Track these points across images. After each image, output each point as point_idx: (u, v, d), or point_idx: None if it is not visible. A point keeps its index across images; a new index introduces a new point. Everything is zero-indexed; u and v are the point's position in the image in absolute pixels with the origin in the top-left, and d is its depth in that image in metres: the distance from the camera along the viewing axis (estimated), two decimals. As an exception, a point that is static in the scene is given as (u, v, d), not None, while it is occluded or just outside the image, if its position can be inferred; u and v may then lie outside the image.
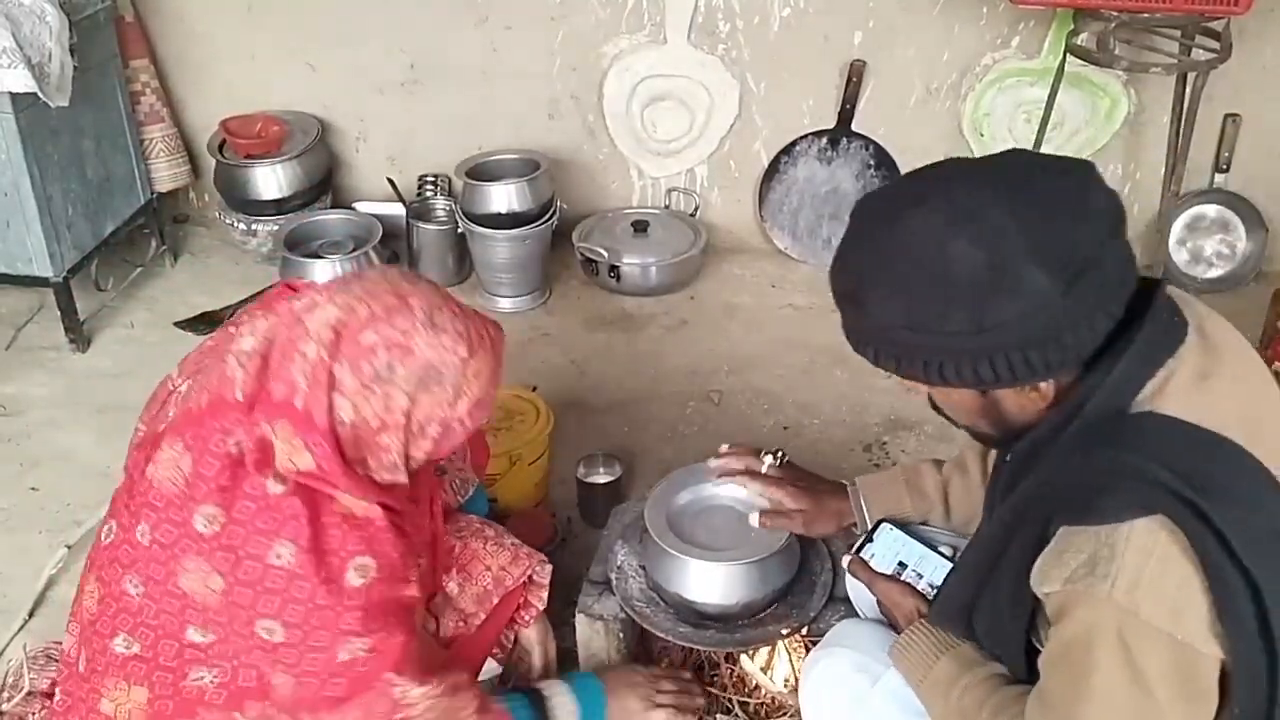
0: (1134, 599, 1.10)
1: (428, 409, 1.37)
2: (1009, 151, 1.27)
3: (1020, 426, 1.27)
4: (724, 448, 1.85)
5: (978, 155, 3.30)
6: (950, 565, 1.65)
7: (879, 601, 1.64)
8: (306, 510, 1.36)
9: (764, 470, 1.84)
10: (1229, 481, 1.13)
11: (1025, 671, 1.30)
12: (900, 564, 1.67)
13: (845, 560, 1.71)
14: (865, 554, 1.70)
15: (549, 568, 1.83)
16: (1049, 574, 1.17)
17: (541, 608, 1.84)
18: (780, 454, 1.87)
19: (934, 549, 1.69)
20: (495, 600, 1.74)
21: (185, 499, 1.38)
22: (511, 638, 1.86)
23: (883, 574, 1.65)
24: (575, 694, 1.69)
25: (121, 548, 1.44)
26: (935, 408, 1.37)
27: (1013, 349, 1.14)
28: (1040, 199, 1.15)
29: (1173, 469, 1.11)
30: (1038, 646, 1.29)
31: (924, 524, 1.75)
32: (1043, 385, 1.20)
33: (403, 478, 1.42)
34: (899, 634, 1.53)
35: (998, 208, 1.13)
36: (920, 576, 1.64)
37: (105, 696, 1.50)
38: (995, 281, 1.12)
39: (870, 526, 1.74)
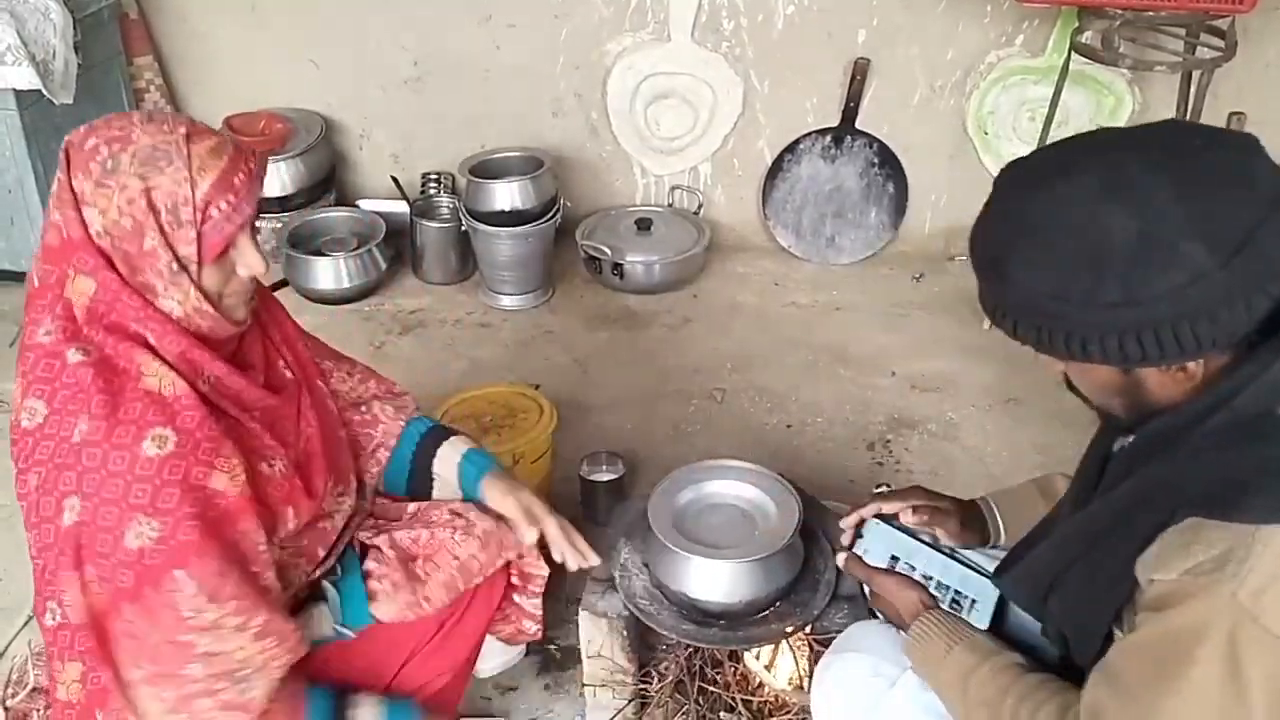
0: (1259, 603, 1.07)
1: (168, 189, 1.32)
2: (1167, 122, 1.22)
3: (1157, 409, 1.21)
4: (845, 521, 1.74)
5: (981, 154, 3.33)
6: (937, 553, 1.64)
7: (874, 596, 1.62)
8: (102, 379, 1.33)
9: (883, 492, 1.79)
10: None
11: (1095, 653, 1.26)
12: (893, 558, 1.67)
13: (840, 559, 1.70)
14: (858, 550, 1.69)
15: (533, 533, 1.72)
16: (1168, 562, 1.13)
17: (543, 573, 1.76)
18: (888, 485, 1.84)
19: (922, 541, 1.69)
20: (462, 587, 1.66)
21: (16, 410, 1.37)
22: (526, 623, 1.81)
23: (879, 568, 1.64)
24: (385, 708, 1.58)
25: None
26: (1069, 384, 1.31)
27: (1164, 324, 1.10)
28: (1200, 170, 1.10)
29: None
30: (1114, 632, 1.25)
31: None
32: (1190, 366, 1.15)
33: (177, 309, 1.37)
34: (902, 629, 1.51)
35: (1154, 177, 1.09)
36: (913, 569, 1.64)
37: (60, 681, 1.45)
38: (1150, 252, 1.08)
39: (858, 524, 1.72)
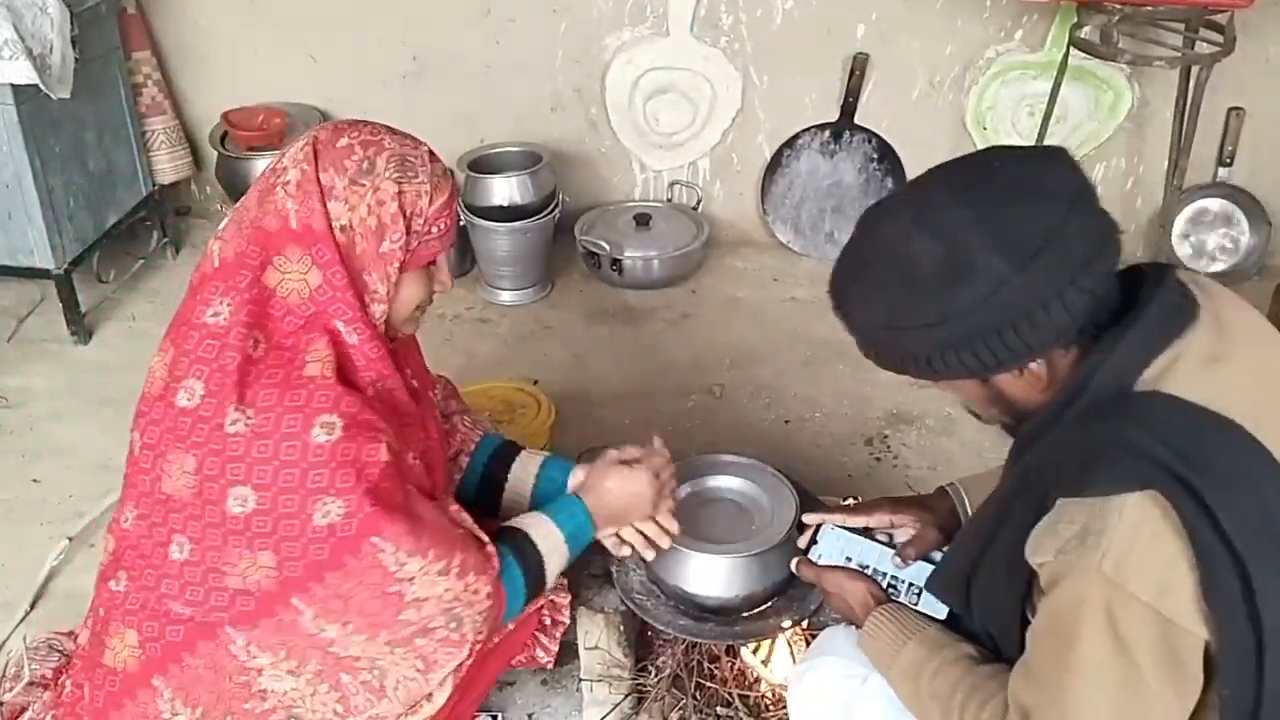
0: (1123, 572, 1.11)
1: (412, 198, 1.44)
2: (982, 150, 1.33)
3: (1031, 411, 1.29)
4: (806, 517, 1.78)
5: (980, 149, 3.33)
6: (890, 550, 1.67)
7: (827, 596, 1.65)
8: (268, 369, 1.39)
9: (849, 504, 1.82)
10: (1227, 463, 1.14)
11: (1016, 645, 1.30)
12: (847, 559, 1.68)
13: (793, 564, 1.72)
14: (812, 555, 1.71)
15: (565, 598, 1.82)
16: (1042, 544, 1.19)
17: (566, 621, 1.84)
18: (856, 497, 1.88)
19: (878, 541, 1.70)
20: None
21: (167, 385, 1.42)
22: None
23: (828, 566, 1.66)
24: (558, 520, 1.65)
25: (124, 480, 1.49)
26: (966, 407, 1.43)
27: (988, 333, 1.18)
28: (995, 187, 1.20)
29: (1170, 446, 1.12)
30: (1030, 620, 1.29)
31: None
32: (1033, 366, 1.23)
33: (384, 314, 1.48)
34: (856, 625, 1.53)
35: (955, 201, 1.19)
36: (866, 566, 1.66)
37: (108, 648, 1.51)
38: (955, 271, 1.17)
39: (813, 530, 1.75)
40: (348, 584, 1.40)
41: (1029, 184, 1.20)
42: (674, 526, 1.74)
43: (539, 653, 1.83)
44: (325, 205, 1.41)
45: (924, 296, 1.19)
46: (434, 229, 1.48)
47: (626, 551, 1.75)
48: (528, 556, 1.61)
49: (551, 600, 1.76)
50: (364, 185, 1.41)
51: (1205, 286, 1.28)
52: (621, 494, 1.70)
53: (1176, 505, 1.11)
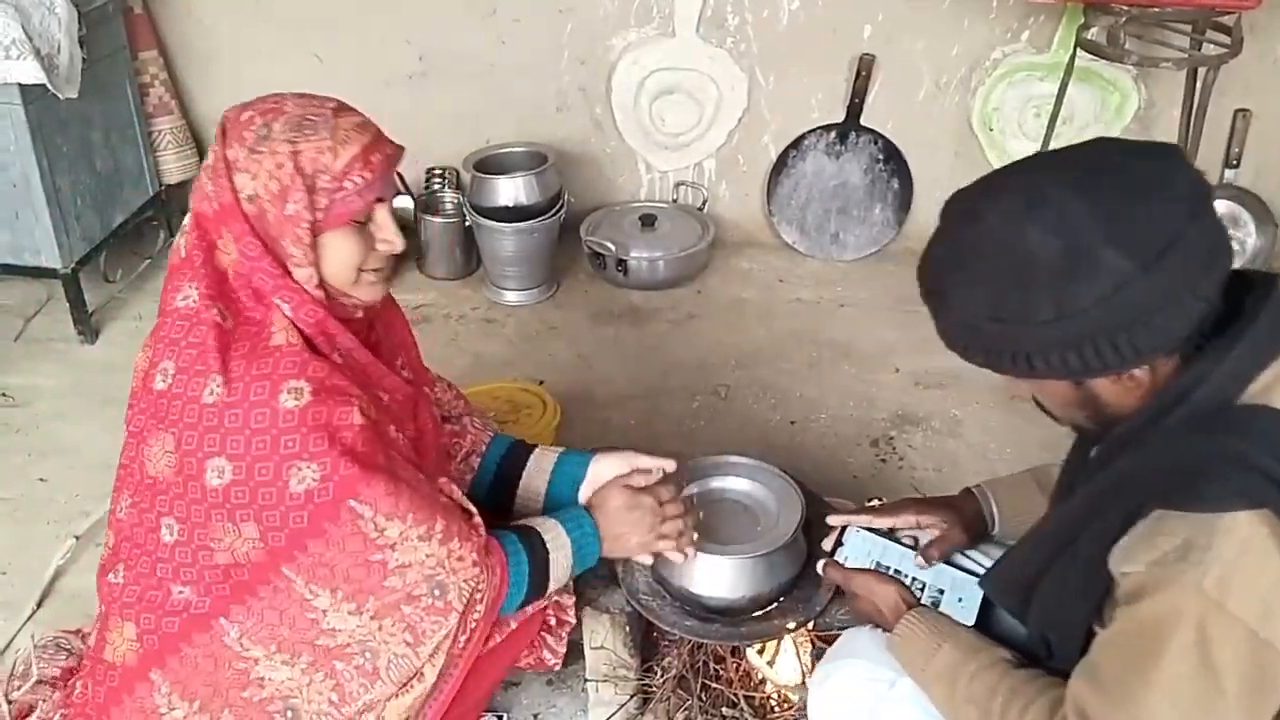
0: (1224, 591, 1.08)
1: (311, 156, 1.40)
2: (1094, 140, 1.26)
3: (1120, 417, 1.25)
4: (831, 519, 1.77)
5: (987, 150, 3.33)
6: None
7: (853, 599, 1.63)
8: (235, 339, 1.40)
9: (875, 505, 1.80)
10: None
11: (1077, 652, 1.27)
12: (874, 561, 1.67)
13: (819, 565, 1.71)
14: (838, 557, 1.70)
15: (569, 599, 1.81)
16: (1135, 555, 1.15)
17: (572, 621, 1.82)
18: (880, 498, 1.86)
19: (904, 544, 1.69)
20: (516, 614, 1.68)
21: (148, 371, 1.44)
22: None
23: (855, 569, 1.64)
24: (566, 527, 1.66)
25: (117, 473, 1.51)
26: (1040, 406, 1.35)
27: (1099, 334, 1.14)
28: (1117, 182, 1.14)
29: None
30: (1094, 630, 1.26)
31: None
32: (1137, 372, 1.19)
33: (312, 278, 1.44)
34: (885, 628, 1.52)
35: (1073, 194, 1.13)
36: (892, 569, 1.64)
37: (108, 643, 1.53)
38: (1073, 266, 1.12)
39: (840, 531, 1.74)
40: (330, 551, 1.41)
41: (1153, 182, 1.14)
42: (670, 546, 1.73)
43: (546, 654, 1.82)
44: (232, 180, 1.42)
45: (1039, 290, 1.13)
46: (347, 184, 1.41)
47: (688, 554, 1.75)
48: (535, 548, 1.62)
49: (557, 601, 1.75)
50: (261, 151, 1.40)
51: None
52: (623, 519, 1.70)
53: None
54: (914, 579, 1.62)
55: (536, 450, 1.87)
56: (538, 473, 1.84)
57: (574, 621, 1.81)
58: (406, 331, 1.77)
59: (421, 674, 1.52)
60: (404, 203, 3.41)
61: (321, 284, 1.46)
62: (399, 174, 3.39)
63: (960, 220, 1.23)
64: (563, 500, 1.80)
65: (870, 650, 1.53)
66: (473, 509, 1.57)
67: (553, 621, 1.79)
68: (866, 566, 1.66)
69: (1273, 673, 1.11)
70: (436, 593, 1.48)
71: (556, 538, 1.64)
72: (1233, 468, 1.11)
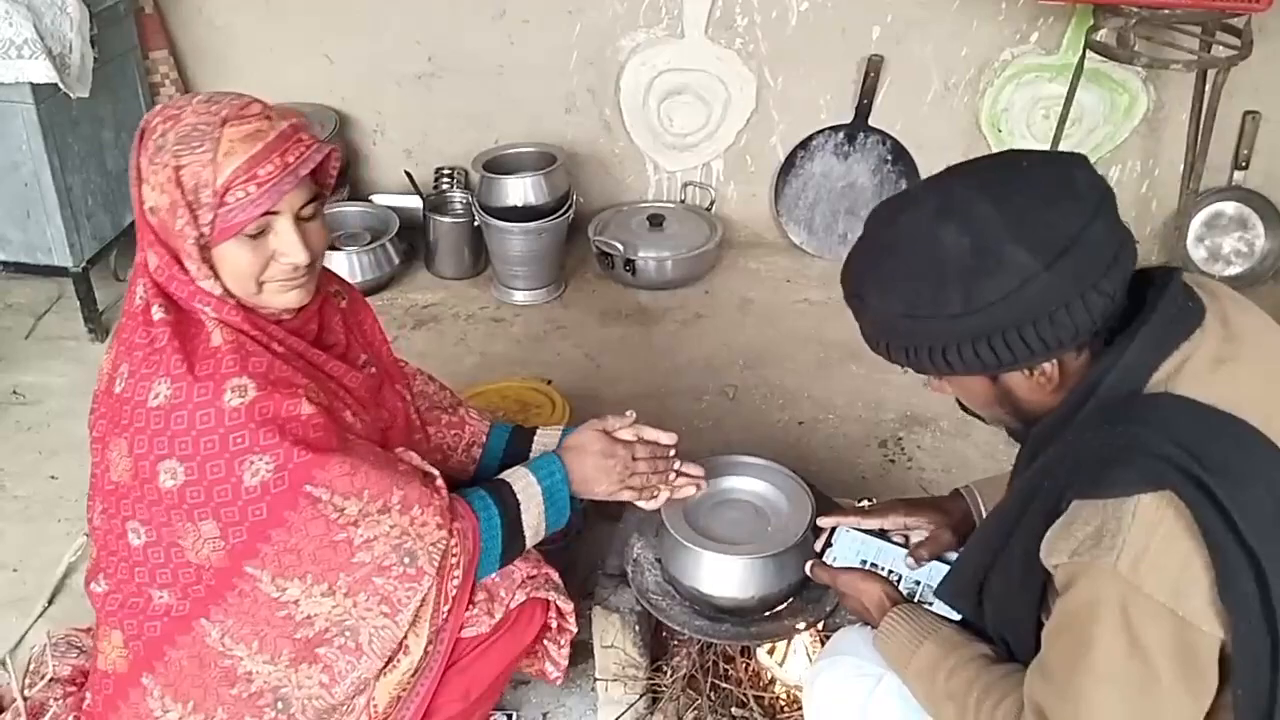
0: (1138, 573, 1.12)
1: (194, 170, 1.36)
2: (1002, 151, 1.35)
3: (1037, 413, 1.31)
4: (822, 520, 1.79)
5: (995, 151, 3.31)
6: (904, 553, 1.68)
7: (842, 597, 1.65)
8: (178, 339, 1.39)
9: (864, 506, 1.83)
10: (1239, 462, 1.15)
11: (1031, 649, 1.31)
12: (862, 561, 1.69)
13: (807, 567, 1.73)
14: (827, 558, 1.72)
15: (568, 605, 1.79)
16: (1057, 546, 1.19)
17: (574, 629, 1.81)
18: (870, 499, 1.88)
19: (893, 542, 1.71)
20: (504, 599, 1.68)
21: (110, 374, 1.44)
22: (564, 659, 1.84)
23: (843, 567, 1.67)
24: (538, 475, 1.67)
25: (90, 481, 1.51)
26: (962, 406, 1.41)
27: (1007, 327, 1.19)
28: (1023, 187, 1.22)
29: (1183, 446, 1.13)
30: (1045, 622, 1.29)
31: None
32: (1047, 366, 1.24)
33: (216, 288, 1.42)
34: (872, 625, 1.54)
35: (982, 197, 1.20)
36: (880, 568, 1.67)
37: (101, 651, 1.54)
38: (981, 263, 1.18)
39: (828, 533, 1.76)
40: (293, 538, 1.42)
41: (1057, 185, 1.21)
42: (634, 497, 1.76)
43: (549, 666, 1.82)
44: (140, 189, 1.41)
45: (949, 286, 1.20)
46: (229, 199, 1.36)
47: (655, 504, 1.77)
48: (505, 500, 1.63)
49: (558, 606, 1.75)
50: (157, 164, 1.38)
51: (1211, 289, 1.29)
52: (591, 458, 1.72)
53: (1191, 505, 1.11)
54: (904, 578, 1.64)
55: (539, 432, 1.88)
56: (545, 447, 1.85)
57: (575, 630, 1.81)
58: (376, 331, 1.75)
59: (406, 646, 1.53)
60: (412, 203, 3.42)
61: (227, 293, 1.44)
62: (408, 173, 3.41)
63: (877, 226, 1.30)
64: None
65: (859, 648, 1.55)
66: (433, 470, 1.58)
67: (554, 625, 1.79)
68: (855, 564, 1.68)
69: (1198, 650, 1.14)
70: (406, 560, 1.49)
71: (527, 487, 1.65)
72: (1135, 453, 1.15)
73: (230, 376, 1.38)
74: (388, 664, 1.53)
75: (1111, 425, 1.19)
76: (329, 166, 1.50)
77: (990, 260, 1.17)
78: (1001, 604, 1.36)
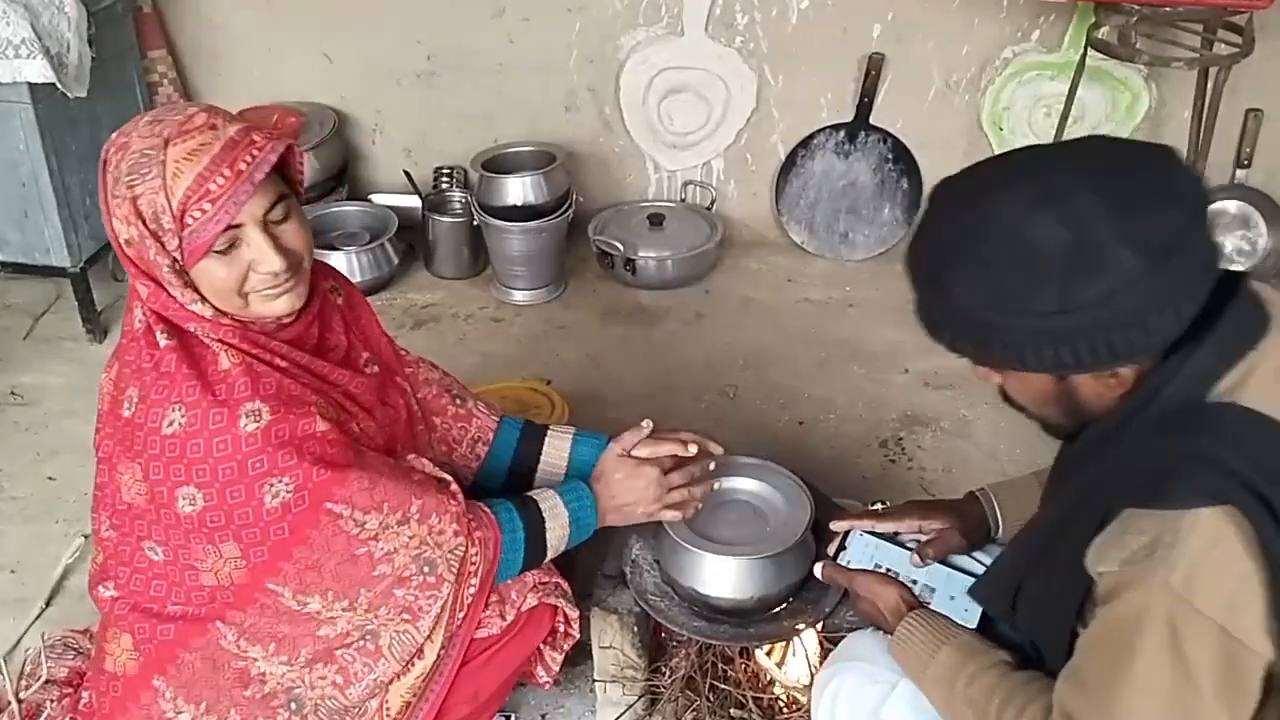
0: (1191, 588, 1.09)
1: (149, 199, 1.32)
2: (1091, 136, 1.26)
3: (1093, 415, 1.25)
4: (835, 524, 1.78)
5: (997, 149, 3.31)
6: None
7: (855, 600, 1.63)
8: (186, 364, 1.38)
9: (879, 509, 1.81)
10: None
11: (1063, 655, 1.28)
12: (875, 565, 1.68)
13: (818, 568, 1.71)
14: (840, 560, 1.71)
15: (575, 612, 1.80)
16: (1107, 554, 1.16)
17: (575, 636, 1.81)
18: (883, 502, 1.87)
19: (907, 547, 1.69)
20: (515, 601, 1.68)
21: (115, 396, 1.43)
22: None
23: (857, 570, 1.65)
24: (565, 499, 1.67)
25: (94, 493, 1.51)
26: (1006, 397, 1.34)
27: (1098, 331, 1.12)
28: (1128, 181, 1.13)
29: (1248, 459, 1.09)
30: (1079, 632, 1.26)
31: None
32: (1123, 371, 1.18)
33: (206, 310, 1.39)
34: (886, 630, 1.52)
35: (1084, 188, 1.12)
36: (894, 572, 1.64)
37: (108, 654, 1.54)
38: (1082, 260, 1.10)
39: (844, 534, 1.75)
40: (315, 555, 1.42)
41: (1163, 184, 1.14)
42: (676, 516, 1.76)
43: (540, 671, 1.81)
44: (111, 222, 1.38)
45: (1042, 282, 1.11)
46: (190, 218, 1.32)
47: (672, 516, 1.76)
48: (530, 514, 1.63)
49: (564, 612, 1.75)
50: (117, 197, 1.35)
51: (1270, 296, 1.24)
52: (624, 487, 1.72)
53: (1253, 522, 1.08)
54: (917, 582, 1.62)
55: (549, 437, 1.86)
56: (554, 461, 1.85)
57: (578, 636, 1.81)
58: (375, 325, 1.74)
59: (421, 650, 1.54)
60: (412, 202, 3.41)
61: (218, 312, 1.42)
62: (407, 173, 3.40)
63: (964, 206, 1.20)
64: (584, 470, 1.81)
65: (871, 653, 1.53)
66: (446, 477, 1.58)
67: (560, 630, 1.79)
68: (868, 567, 1.66)
69: (1245, 669, 1.11)
70: (426, 569, 1.50)
71: (554, 508, 1.66)
72: (1198, 465, 1.11)
73: (244, 401, 1.37)
74: (404, 666, 1.53)
75: (1172, 434, 1.15)
76: (294, 162, 1.46)
77: (1093, 258, 1.09)
78: (1039, 608, 1.33)
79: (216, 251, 1.36)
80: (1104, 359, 1.14)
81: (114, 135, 1.39)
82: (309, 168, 3.39)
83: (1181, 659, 1.11)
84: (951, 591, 1.61)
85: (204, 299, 1.39)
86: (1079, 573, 1.20)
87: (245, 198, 1.34)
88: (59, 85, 2.72)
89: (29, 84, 2.71)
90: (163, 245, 1.34)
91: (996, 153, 3.30)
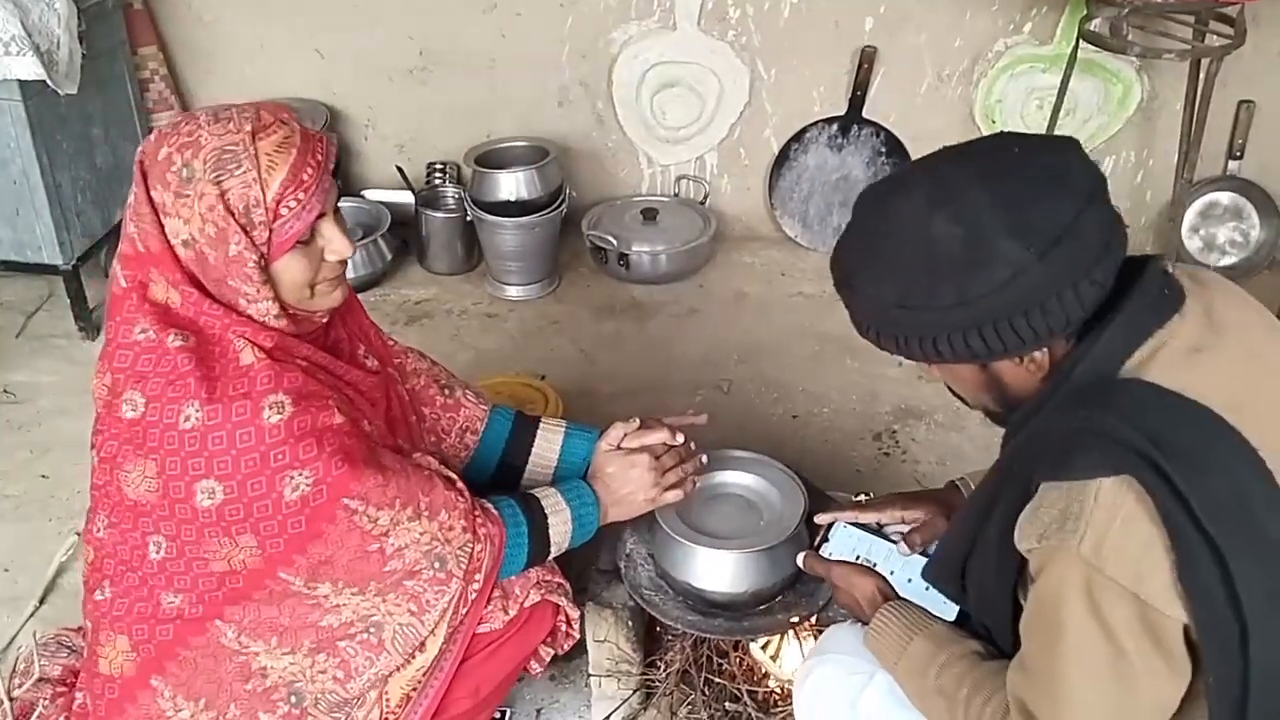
0: (1100, 555, 1.12)
1: (240, 192, 1.34)
2: (994, 135, 1.33)
3: (1023, 399, 1.31)
4: (819, 517, 1.79)
5: (989, 134, 3.31)
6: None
7: (836, 591, 1.65)
8: (203, 364, 1.38)
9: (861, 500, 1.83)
10: (1201, 449, 1.14)
11: (1010, 634, 1.31)
12: (857, 556, 1.68)
13: (800, 558, 1.72)
14: (823, 552, 1.71)
15: (575, 612, 1.81)
16: (1026, 530, 1.20)
17: (575, 636, 1.82)
18: (867, 494, 1.88)
19: (889, 540, 1.70)
20: (519, 596, 1.68)
21: (110, 400, 1.42)
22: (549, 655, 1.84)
23: (835, 561, 1.67)
24: (566, 497, 1.69)
25: (91, 494, 1.50)
26: (950, 389, 1.41)
27: (999, 318, 1.19)
28: (1016, 174, 1.20)
29: (1143, 431, 1.13)
30: (1022, 605, 1.29)
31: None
32: (1037, 355, 1.24)
33: (273, 308, 1.41)
34: (864, 621, 1.53)
35: (975, 185, 1.19)
36: (876, 564, 1.66)
37: (102, 656, 1.53)
38: (974, 254, 1.17)
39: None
40: (329, 550, 1.43)
41: (1049, 173, 1.20)
42: (678, 495, 1.77)
43: (533, 663, 1.81)
44: (161, 224, 1.37)
45: (940, 277, 1.19)
46: (285, 209, 1.36)
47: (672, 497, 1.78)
48: (534, 511, 1.65)
49: (565, 611, 1.75)
50: (189, 195, 1.34)
51: (1202, 278, 1.29)
52: (621, 480, 1.74)
53: (1150, 490, 1.11)
54: (894, 573, 1.63)
55: (540, 431, 1.87)
56: (545, 455, 1.85)
57: (578, 636, 1.82)
58: (364, 316, 1.75)
59: (423, 644, 1.54)
60: (405, 198, 3.41)
61: (282, 311, 1.43)
62: (399, 168, 3.40)
63: (866, 210, 1.29)
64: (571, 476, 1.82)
65: (850, 645, 1.55)
66: (453, 475, 1.59)
67: (562, 630, 1.79)
68: (849, 558, 1.67)
69: (1163, 633, 1.14)
70: (436, 565, 1.51)
71: (556, 504, 1.67)
72: (1098, 437, 1.15)
73: (267, 394, 1.37)
74: (405, 660, 1.54)
75: (1077, 410, 1.20)
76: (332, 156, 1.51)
77: (983, 252, 1.17)
78: (981, 587, 1.37)
79: (300, 243, 1.40)
80: (1011, 345, 1.21)
81: (158, 138, 1.39)
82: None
83: (1104, 625, 1.14)
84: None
85: (276, 298, 1.41)
86: (1010, 550, 1.24)
87: (329, 187, 1.41)
88: (49, 82, 2.72)
89: (19, 81, 2.70)
90: (251, 239, 1.36)
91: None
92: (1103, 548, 1.12)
